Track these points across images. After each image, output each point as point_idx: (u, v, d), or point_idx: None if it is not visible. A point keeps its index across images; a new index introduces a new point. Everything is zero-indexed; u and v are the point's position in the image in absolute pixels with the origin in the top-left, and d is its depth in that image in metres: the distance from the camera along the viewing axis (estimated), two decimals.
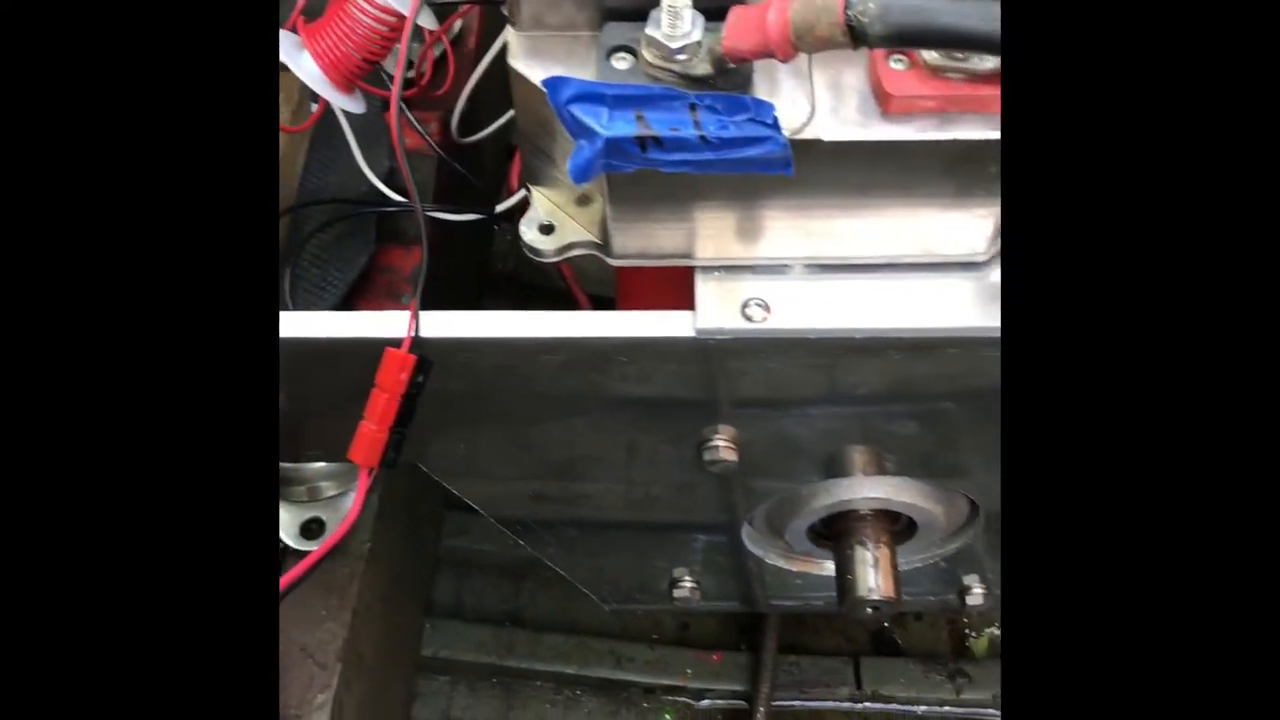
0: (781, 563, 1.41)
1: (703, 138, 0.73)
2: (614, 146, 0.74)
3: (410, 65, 1.23)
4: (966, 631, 1.86)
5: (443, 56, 1.26)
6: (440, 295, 1.02)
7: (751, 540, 1.34)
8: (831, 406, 0.99)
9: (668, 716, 1.74)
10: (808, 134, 0.76)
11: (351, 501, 0.91)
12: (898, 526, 1.27)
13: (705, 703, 1.75)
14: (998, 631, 1.84)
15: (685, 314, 0.87)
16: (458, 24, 1.36)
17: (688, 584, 1.45)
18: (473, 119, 1.25)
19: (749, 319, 0.86)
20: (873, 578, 1.20)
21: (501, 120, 1.16)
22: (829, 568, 1.31)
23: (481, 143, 1.26)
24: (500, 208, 1.17)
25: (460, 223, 1.21)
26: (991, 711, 1.77)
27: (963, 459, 1.09)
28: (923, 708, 1.76)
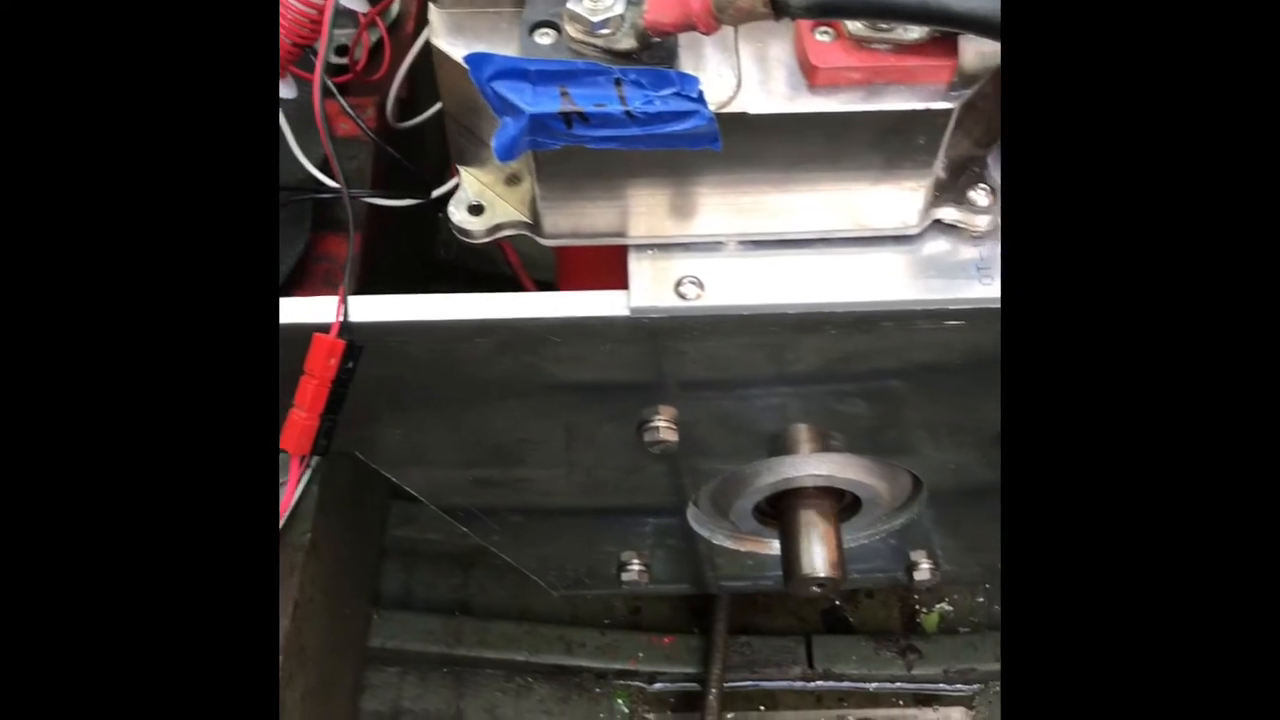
0: (729, 543, 1.41)
1: (628, 113, 0.72)
2: (539, 123, 0.72)
3: (345, 50, 1.21)
4: (917, 608, 1.87)
5: (378, 40, 1.24)
6: (382, 284, 1.00)
7: (697, 521, 1.34)
8: (771, 384, 0.99)
9: (620, 701, 1.74)
10: (734, 108, 0.75)
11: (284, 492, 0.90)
12: (842, 504, 1.28)
13: (658, 686, 1.75)
14: (949, 607, 1.86)
15: (619, 293, 0.86)
16: (394, 7, 1.34)
17: (635, 567, 1.45)
18: (414, 104, 1.23)
19: (683, 297, 0.85)
20: (818, 555, 1.20)
21: (440, 104, 1.14)
22: (776, 547, 1.32)
23: (423, 127, 1.24)
24: (437, 192, 1.15)
25: (401, 210, 1.19)
26: (943, 686, 1.78)
27: (905, 435, 1.10)
28: (874, 684, 1.77)
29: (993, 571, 1.52)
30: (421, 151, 1.40)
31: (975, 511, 1.34)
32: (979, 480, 1.20)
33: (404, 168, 1.25)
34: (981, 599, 1.86)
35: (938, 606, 1.86)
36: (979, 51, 0.76)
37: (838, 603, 1.86)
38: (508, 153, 0.74)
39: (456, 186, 0.90)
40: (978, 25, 0.66)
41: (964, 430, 1.07)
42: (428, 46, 0.81)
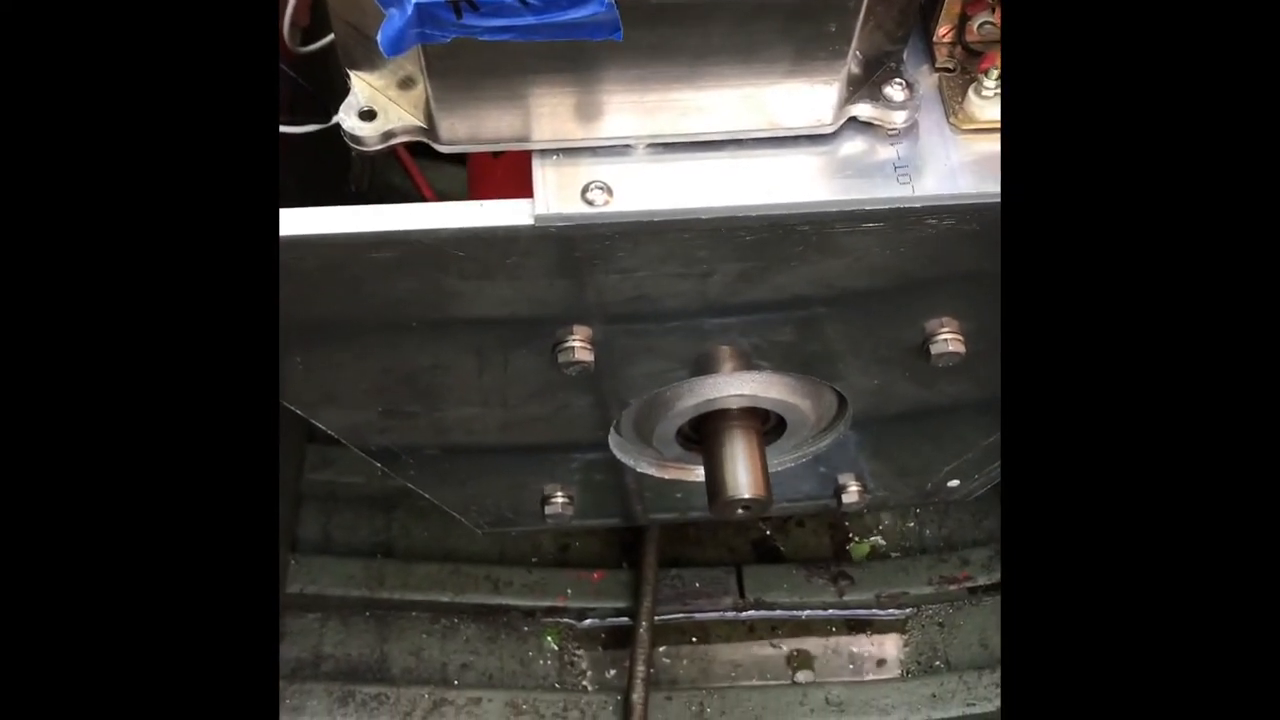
0: (654, 471, 1.38)
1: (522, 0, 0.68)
2: (426, 13, 0.68)
3: None
4: (850, 536, 1.87)
5: None
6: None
7: (620, 449, 1.31)
8: (688, 298, 0.95)
9: (549, 638, 1.71)
10: None
11: None
12: (767, 425, 1.25)
13: (587, 622, 1.73)
14: (881, 540, 1.86)
15: (523, 202, 0.82)
16: None
17: (559, 499, 1.42)
18: (317, 30, 1.16)
19: (590, 203, 0.81)
20: (742, 476, 1.17)
21: None
22: (702, 474, 1.29)
23: (331, 54, 1.18)
24: (339, 116, 1.10)
25: (311, 144, 1.13)
26: (876, 612, 1.79)
27: (827, 347, 1.07)
28: (807, 612, 1.77)
29: (923, 494, 1.51)
30: (333, 78, 1.33)
31: (902, 433, 1.32)
32: (904, 399, 1.18)
33: (304, 91, 1.19)
34: (913, 524, 1.87)
35: (870, 540, 1.86)
36: None
37: (768, 532, 1.85)
38: (394, 47, 0.69)
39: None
40: None
41: (886, 341, 1.05)
42: None
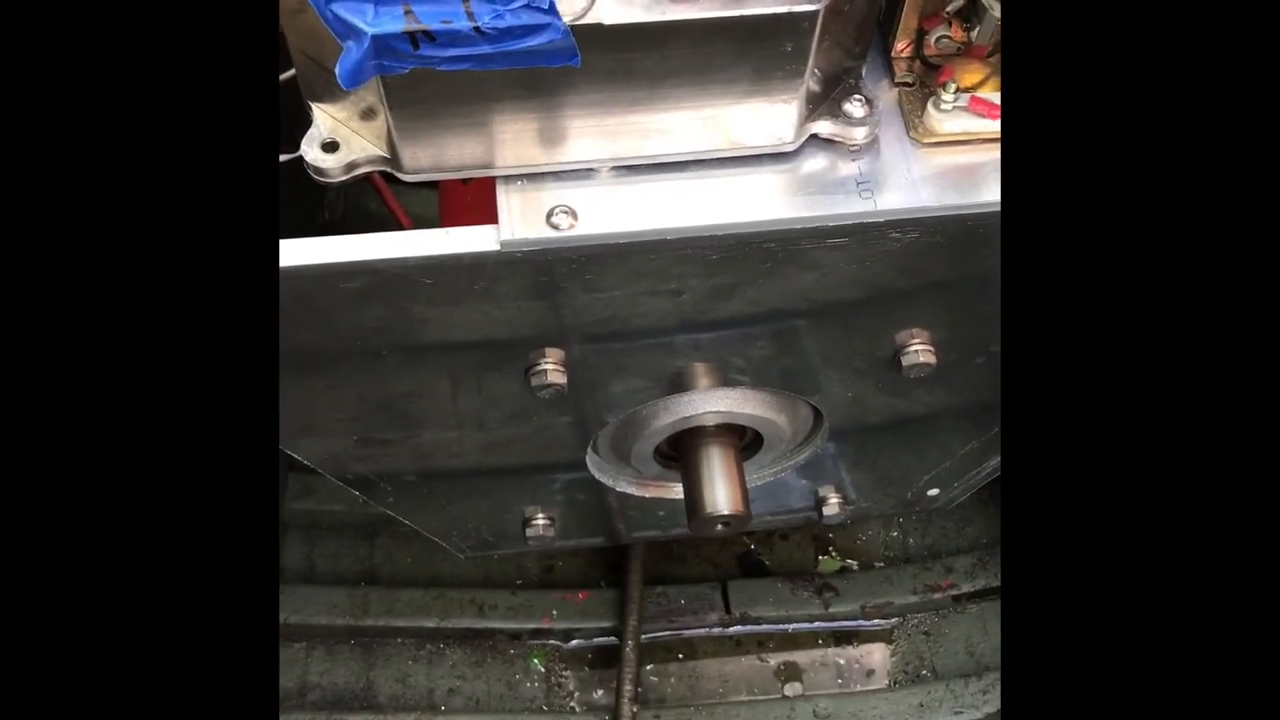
0: (633, 490, 1.39)
1: (477, 29, 0.68)
2: (383, 45, 0.68)
3: None
4: (827, 551, 1.87)
5: None
6: None
7: (598, 469, 1.31)
8: (659, 316, 0.96)
9: (535, 660, 1.71)
10: (590, 19, 0.71)
11: None
12: (744, 440, 1.26)
13: (573, 643, 1.73)
14: (853, 564, 1.86)
15: (489, 228, 0.82)
16: None
17: (540, 521, 1.42)
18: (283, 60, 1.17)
19: (555, 228, 0.82)
20: (720, 492, 1.18)
21: None
22: (682, 491, 1.29)
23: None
24: (303, 148, 1.10)
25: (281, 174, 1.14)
26: (862, 623, 1.79)
27: (800, 363, 1.07)
28: (793, 625, 1.77)
29: (904, 504, 1.52)
30: (295, 113, 1.33)
31: (880, 444, 1.33)
32: (879, 410, 1.19)
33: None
34: (896, 533, 1.87)
35: (840, 559, 1.87)
36: None
37: (752, 546, 1.86)
38: (352, 79, 0.69)
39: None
40: None
41: (857, 354, 1.06)
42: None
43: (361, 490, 1.25)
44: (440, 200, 1.22)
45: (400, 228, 1.17)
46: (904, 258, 0.89)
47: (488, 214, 0.86)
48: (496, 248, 0.82)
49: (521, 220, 0.82)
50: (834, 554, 1.85)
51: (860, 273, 0.90)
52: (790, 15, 0.72)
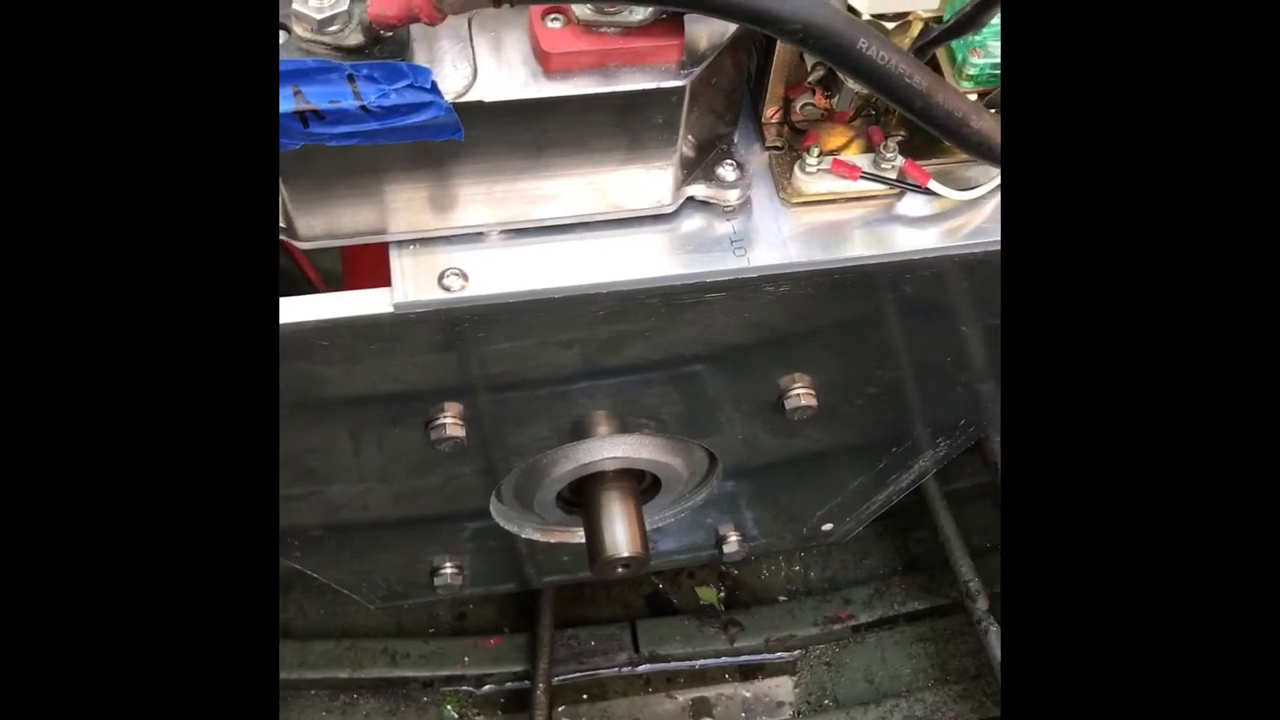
0: (538, 536, 1.42)
1: (364, 107, 0.72)
2: None
3: None
4: (711, 582, 1.91)
5: None
6: None
7: (503, 517, 1.34)
8: (552, 369, 1.00)
9: (449, 707, 1.73)
10: (471, 96, 0.76)
11: None
12: (643, 484, 1.30)
13: (486, 688, 1.75)
14: (721, 591, 1.90)
15: (383, 291, 0.86)
16: None
17: (448, 570, 1.45)
18: None
19: (446, 289, 0.86)
20: (620, 535, 1.22)
21: None
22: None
23: None
24: None
25: None
26: (766, 656, 1.83)
27: (691, 410, 1.12)
28: (700, 662, 1.81)
29: (801, 539, 1.57)
30: None
31: (773, 482, 1.38)
32: (770, 450, 1.24)
33: None
34: (799, 567, 1.93)
35: (714, 587, 1.92)
36: (708, 30, 0.79)
37: (660, 586, 1.90)
38: None
39: None
40: (690, 2, 0.69)
41: (744, 399, 1.11)
42: None
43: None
44: (343, 255, 1.26)
45: (311, 284, 1.20)
46: (778, 308, 0.94)
47: (389, 271, 0.91)
48: (390, 310, 0.85)
49: (414, 283, 0.86)
50: (712, 585, 1.90)
51: (739, 324, 0.96)
52: (659, 90, 0.78)
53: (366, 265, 1.13)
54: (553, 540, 1.43)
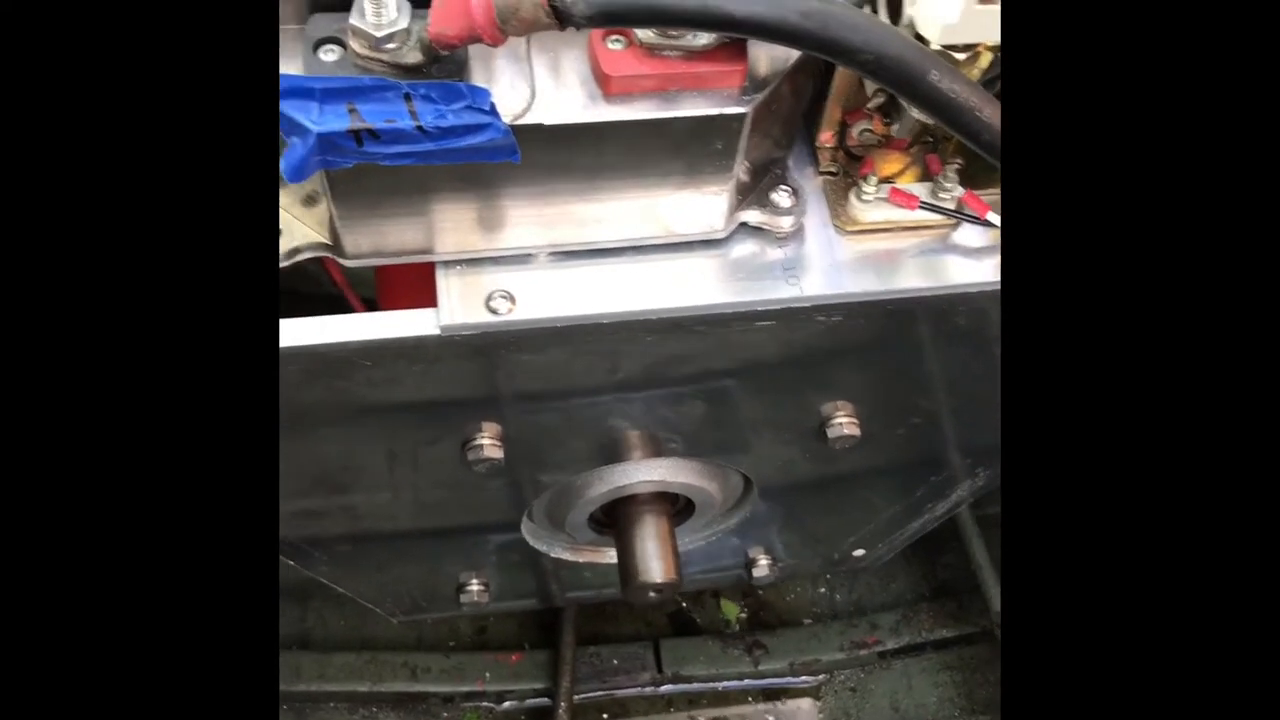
0: (567, 555, 1.40)
1: (420, 128, 0.71)
2: (327, 142, 0.70)
3: None
4: (754, 602, 1.89)
5: None
6: None
7: (533, 535, 1.32)
8: (595, 392, 0.98)
9: None
10: (529, 119, 0.74)
11: None
12: (676, 507, 1.28)
13: (506, 704, 1.73)
14: (742, 613, 1.88)
15: (428, 312, 0.84)
16: None
17: (474, 586, 1.43)
18: None
19: (494, 312, 0.84)
20: (653, 561, 1.20)
21: None
22: (615, 556, 1.31)
23: None
24: None
25: None
26: (790, 679, 1.81)
27: (731, 434, 1.11)
28: (723, 683, 1.79)
29: (831, 563, 1.55)
30: None
31: (807, 508, 1.36)
32: (806, 474, 1.22)
33: None
34: (824, 589, 1.90)
35: (737, 604, 1.89)
36: (770, 55, 0.77)
37: (684, 604, 1.88)
38: (297, 174, 0.71)
39: None
40: (759, 29, 0.67)
41: (785, 425, 1.09)
42: None
43: (289, 557, 1.25)
44: (377, 273, 1.24)
45: (348, 305, 1.19)
46: (828, 337, 0.92)
47: (425, 288, 0.89)
48: (436, 332, 0.84)
49: (460, 305, 0.84)
50: (735, 601, 1.87)
51: (787, 351, 0.94)
52: (721, 117, 0.76)
53: (403, 282, 1.12)
54: (581, 560, 1.42)
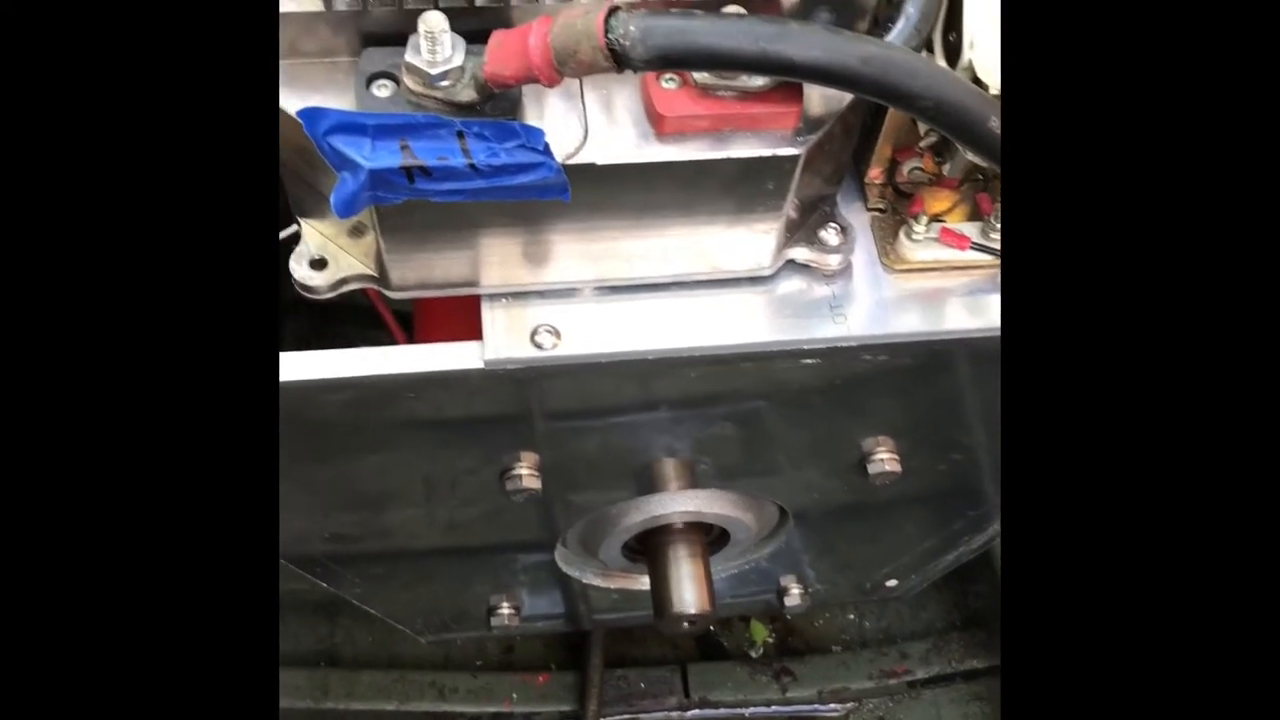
0: (598, 581, 1.40)
1: (472, 166, 0.70)
2: (379, 178, 0.70)
3: None
4: (781, 626, 1.88)
5: None
6: None
7: (566, 561, 1.32)
8: (635, 425, 0.98)
9: None
10: (582, 158, 0.74)
11: None
12: (710, 536, 1.27)
13: None
14: (770, 637, 1.87)
15: (473, 345, 0.84)
16: None
17: (505, 610, 1.43)
18: None
19: (539, 346, 0.83)
20: (688, 592, 1.19)
21: None
22: (646, 582, 1.31)
23: None
24: (284, 234, 1.12)
25: None
26: (818, 707, 1.80)
27: (770, 468, 1.10)
28: (750, 710, 1.77)
29: (863, 593, 1.54)
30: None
31: (844, 535, 1.35)
32: (845, 508, 1.21)
33: None
34: (853, 616, 1.89)
35: (766, 626, 1.88)
36: (824, 96, 0.76)
37: (712, 629, 1.86)
38: (347, 209, 0.71)
39: (298, 235, 0.86)
40: (819, 75, 0.66)
41: (825, 459, 1.08)
42: None
43: (317, 576, 1.25)
44: (416, 302, 1.24)
45: (392, 337, 1.19)
46: (871, 374, 0.91)
47: (463, 317, 0.89)
48: (480, 365, 0.83)
49: (505, 339, 0.84)
50: (763, 623, 1.86)
51: (830, 386, 0.93)
52: (775, 158, 0.75)
53: (441, 312, 1.12)
54: (613, 586, 1.41)
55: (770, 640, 1.86)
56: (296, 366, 0.82)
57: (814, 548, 1.37)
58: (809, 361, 0.88)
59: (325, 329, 1.86)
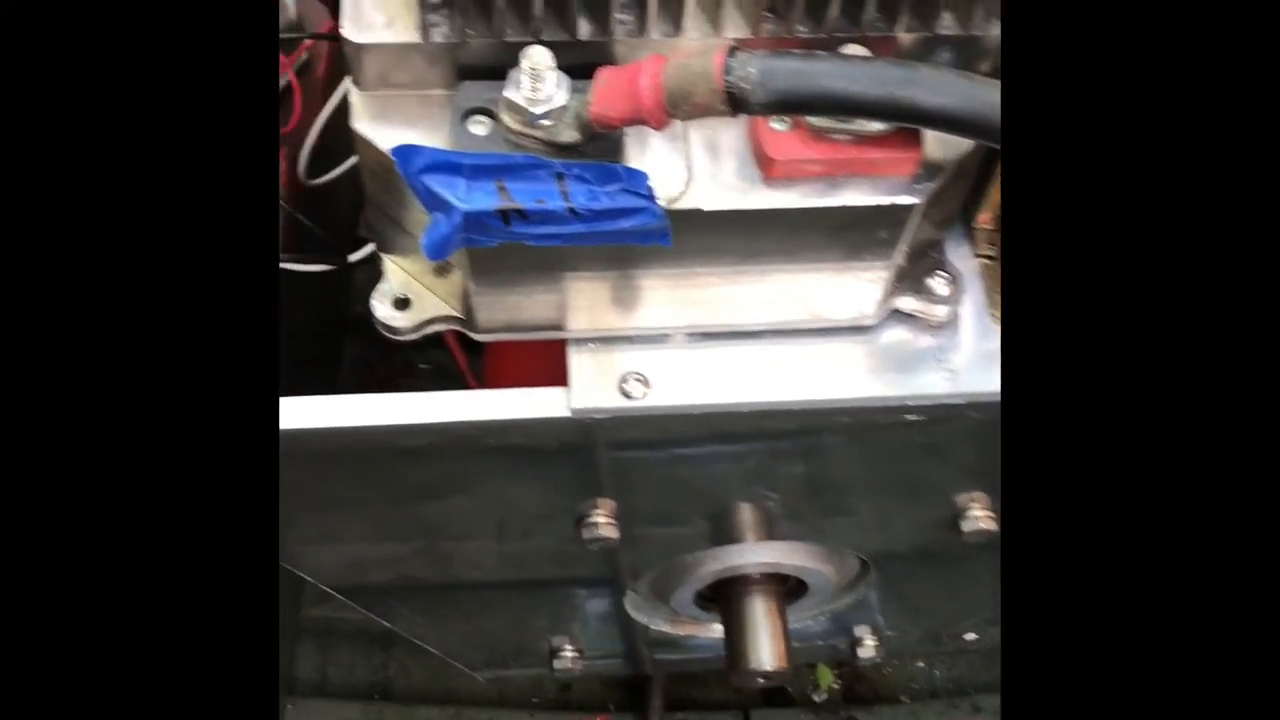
0: (667, 628, 1.35)
1: (571, 210, 0.66)
2: (474, 221, 0.66)
3: None
4: (842, 670, 1.82)
5: (286, 86, 1.17)
6: (292, 347, 0.91)
7: (635, 607, 1.27)
8: (719, 475, 0.93)
9: None
10: (686, 203, 0.69)
11: None
12: (787, 586, 1.22)
13: None
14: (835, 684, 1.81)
15: (558, 391, 0.80)
16: (303, 53, 1.26)
17: (568, 653, 1.39)
18: (324, 154, 1.15)
19: (627, 395, 0.79)
20: (765, 648, 1.14)
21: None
22: (717, 629, 1.26)
23: (338, 180, 1.17)
24: (354, 258, 1.09)
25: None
26: None
27: (856, 523, 1.05)
28: None
29: (939, 645, 1.48)
30: (335, 204, 1.31)
31: (926, 589, 1.30)
32: (932, 563, 1.16)
33: (315, 235, 1.17)
34: (922, 664, 1.82)
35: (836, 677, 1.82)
36: (942, 140, 0.72)
37: None
38: (439, 252, 0.67)
39: (375, 257, 0.83)
40: (949, 123, 0.61)
41: (916, 515, 1.03)
42: (344, 101, 0.74)
43: (371, 610, 1.22)
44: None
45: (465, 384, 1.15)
46: (976, 431, 0.86)
47: (538, 360, 0.85)
48: (567, 414, 0.79)
49: (594, 386, 0.80)
50: (829, 666, 1.80)
51: (928, 443, 0.88)
52: (891, 207, 0.71)
53: (516, 354, 1.08)
54: (682, 633, 1.36)
55: (836, 686, 1.80)
56: (375, 412, 0.79)
57: (894, 599, 1.32)
58: (912, 418, 0.83)
59: (385, 350, 1.83)
